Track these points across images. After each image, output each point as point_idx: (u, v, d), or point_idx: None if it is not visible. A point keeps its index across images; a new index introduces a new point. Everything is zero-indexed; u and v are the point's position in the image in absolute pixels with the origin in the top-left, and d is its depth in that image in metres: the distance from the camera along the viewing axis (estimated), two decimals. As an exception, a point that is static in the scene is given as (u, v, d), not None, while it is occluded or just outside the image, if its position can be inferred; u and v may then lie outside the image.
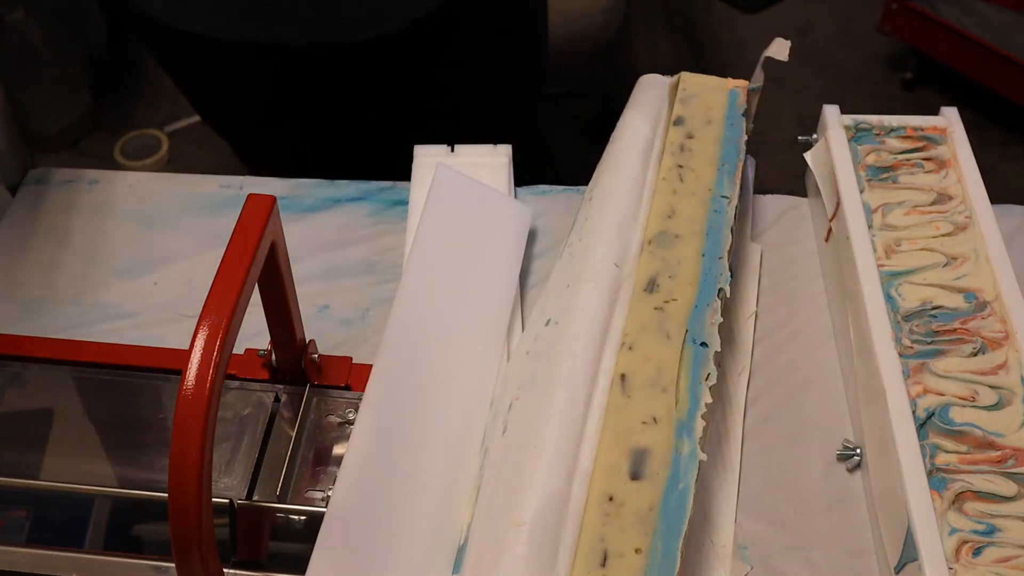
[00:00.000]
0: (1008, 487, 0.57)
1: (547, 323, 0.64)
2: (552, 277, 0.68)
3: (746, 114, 0.75)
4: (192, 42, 0.85)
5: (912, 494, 0.56)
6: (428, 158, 0.80)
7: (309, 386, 0.65)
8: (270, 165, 0.88)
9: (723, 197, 0.69)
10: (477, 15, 0.89)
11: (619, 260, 0.66)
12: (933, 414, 0.60)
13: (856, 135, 0.76)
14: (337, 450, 0.62)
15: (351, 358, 0.67)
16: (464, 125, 0.85)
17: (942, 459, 0.58)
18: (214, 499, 0.50)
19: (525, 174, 0.82)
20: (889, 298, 0.66)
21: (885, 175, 0.74)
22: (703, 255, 0.66)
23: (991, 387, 0.61)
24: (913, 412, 0.60)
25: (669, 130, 0.74)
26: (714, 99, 0.76)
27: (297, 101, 0.94)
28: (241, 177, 0.86)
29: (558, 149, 1.14)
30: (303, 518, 0.60)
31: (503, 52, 0.96)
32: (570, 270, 0.66)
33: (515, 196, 0.80)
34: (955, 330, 0.64)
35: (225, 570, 0.51)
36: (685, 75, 0.77)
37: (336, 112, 0.94)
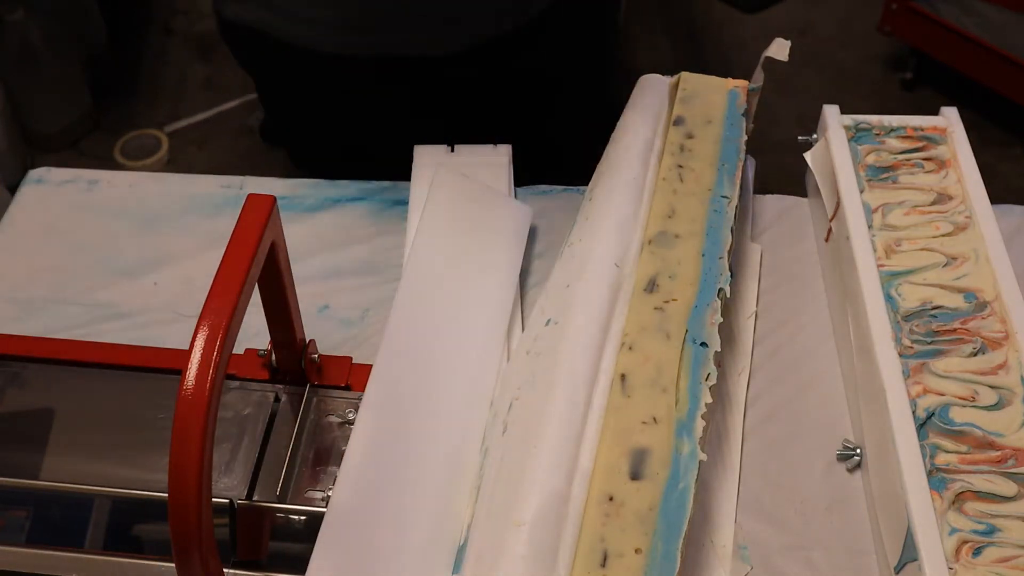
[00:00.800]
0: (1008, 487, 0.57)
1: (547, 323, 0.64)
2: (552, 277, 0.68)
3: (746, 114, 0.75)
4: (302, 56, 0.85)
5: (912, 494, 0.56)
6: (428, 158, 0.80)
7: (309, 386, 0.65)
8: (325, 167, 0.88)
9: (723, 197, 0.69)
10: (578, 15, 0.90)
11: (619, 260, 0.66)
12: (933, 414, 0.60)
13: (856, 135, 0.76)
14: (337, 450, 0.62)
15: (351, 358, 0.67)
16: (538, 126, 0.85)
17: (942, 459, 0.58)
18: (214, 499, 0.50)
19: (528, 174, 0.82)
20: (889, 298, 0.66)
21: (885, 175, 0.74)
22: (703, 255, 0.65)
23: (991, 387, 0.61)
24: (913, 412, 0.60)
25: (669, 130, 0.74)
26: (714, 99, 0.76)
27: (386, 107, 0.94)
28: (241, 177, 0.86)
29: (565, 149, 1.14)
30: (303, 518, 0.59)
31: (588, 56, 0.97)
32: (570, 270, 0.66)
33: (515, 196, 0.80)
34: (955, 330, 0.64)
35: (225, 570, 0.51)
36: (685, 75, 0.77)
37: (414, 116, 0.94)
